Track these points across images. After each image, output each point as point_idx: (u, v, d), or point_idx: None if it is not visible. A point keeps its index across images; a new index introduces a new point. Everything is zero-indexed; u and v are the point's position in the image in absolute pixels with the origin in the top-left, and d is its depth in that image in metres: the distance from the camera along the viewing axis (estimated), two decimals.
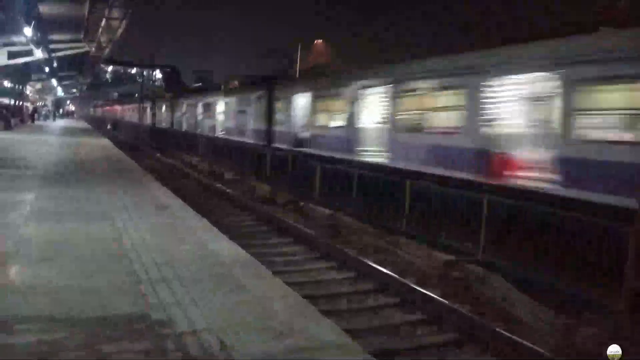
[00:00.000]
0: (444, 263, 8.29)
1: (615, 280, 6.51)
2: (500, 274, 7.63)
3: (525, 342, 5.61)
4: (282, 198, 14.37)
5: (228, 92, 28.06)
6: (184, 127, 34.52)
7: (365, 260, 8.48)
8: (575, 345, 5.86)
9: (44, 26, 19.72)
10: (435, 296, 6.99)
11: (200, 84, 41.72)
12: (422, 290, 7.23)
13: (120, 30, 23.11)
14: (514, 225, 8.24)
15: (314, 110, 17.09)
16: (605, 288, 6.73)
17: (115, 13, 20.29)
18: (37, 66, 30.34)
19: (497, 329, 5.97)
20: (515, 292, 7.09)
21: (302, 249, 9.83)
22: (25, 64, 26.49)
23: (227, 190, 15.95)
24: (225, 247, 6.55)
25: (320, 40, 35.55)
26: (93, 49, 27.15)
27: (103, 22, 21.34)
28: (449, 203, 9.59)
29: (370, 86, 13.93)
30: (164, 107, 42.16)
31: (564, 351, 5.75)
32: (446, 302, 6.79)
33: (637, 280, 6.16)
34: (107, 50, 29.40)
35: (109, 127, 52.02)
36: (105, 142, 28.12)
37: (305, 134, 17.54)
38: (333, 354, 3.82)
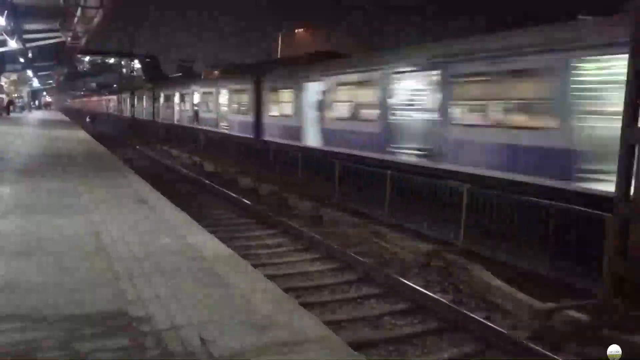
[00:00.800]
0: (426, 253, 8.34)
1: (595, 265, 6.61)
2: (480, 262, 7.69)
3: (504, 330, 5.68)
4: (265, 190, 14.29)
5: (205, 83, 27.82)
6: (163, 118, 33.93)
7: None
8: (554, 331, 5.95)
9: (18, 15, 19.21)
10: (417, 286, 7.03)
11: (180, 73, 41.21)
12: (403, 280, 7.27)
13: (97, 19, 22.61)
14: (493, 214, 8.30)
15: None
16: (586, 273, 6.84)
17: (92, 1, 19.84)
18: (12, 57, 29.60)
19: (477, 318, 6.04)
20: (495, 279, 7.16)
21: (286, 240, 9.82)
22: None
23: (208, 182, 15.83)
24: (205, 241, 6.49)
25: (301, 30, 35.27)
26: (69, 38, 26.55)
27: (79, 11, 20.87)
28: (430, 192, 9.62)
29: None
30: (143, 98, 41.58)
31: (544, 337, 5.82)
32: (427, 292, 6.83)
33: (617, 265, 6.26)
34: (84, 40, 28.80)
35: (87, 119, 50.22)
36: (82, 134, 27.64)
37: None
38: (314, 347, 3.81)
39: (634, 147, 6.06)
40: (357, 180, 11.94)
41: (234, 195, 13.55)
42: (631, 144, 6.06)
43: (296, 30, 34.74)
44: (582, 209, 6.92)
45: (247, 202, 12.71)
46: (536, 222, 7.59)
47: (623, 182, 6.12)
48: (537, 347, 5.38)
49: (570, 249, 7.13)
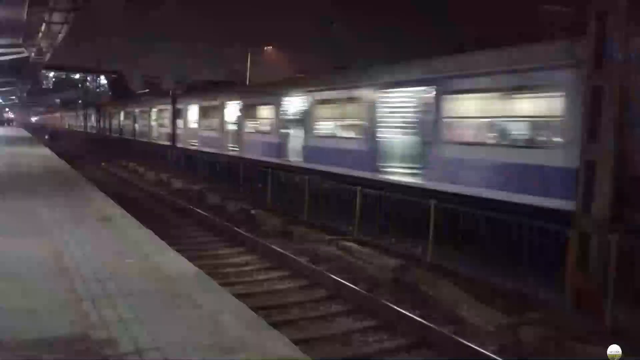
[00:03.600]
0: (394, 268, 8.38)
1: (558, 279, 6.76)
2: (448, 278, 7.78)
3: (471, 345, 5.74)
4: (232, 206, 14.17)
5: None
6: (125, 133, 34.94)
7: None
8: (520, 344, 6.04)
9: None
10: (386, 302, 7.05)
11: (147, 90, 40.71)
12: (372, 296, 7.28)
13: (61, 35, 22.22)
14: (459, 229, 8.43)
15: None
16: (549, 286, 6.99)
17: (57, 17, 19.50)
18: None
19: (445, 332, 6.08)
20: (463, 294, 7.25)
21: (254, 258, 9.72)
22: None
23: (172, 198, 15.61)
24: (172, 260, 6.38)
25: (270, 47, 35.37)
26: (33, 54, 25.99)
27: (43, 27, 20.47)
28: (398, 208, 9.71)
29: None
30: (107, 114, 41.00)
31: (510, 350, 5.90)
32: (397, 307, 6.86)
33: (577, 278, 6.42)
34: (48, 56, 28.22)
35: (46, 137, 48.38)
36: (46, 151, 26.94)
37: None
38: None
39: (593, 162, 6.28)
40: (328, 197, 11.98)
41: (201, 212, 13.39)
42: (589, 159, 6.28)
43: (265, 48, 34.85)
44: (545, 224, 7.09)
45: (215, 218, 12.57)
46: (502, 236, 7.74)
47: (582, 197, 6.32)
48: None
49: (535, 263, 7.27)
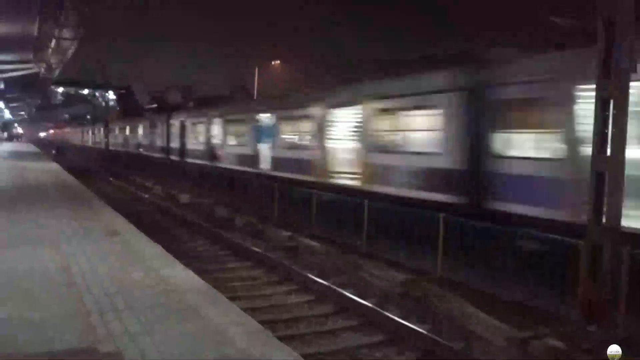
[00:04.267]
0: (403, 282, 8.31)
1: (570, 292, 6.66)
2: (457, 291, 7.69)
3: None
4: (241, 220, 14.15)
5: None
6: (138, 149, 33.91)
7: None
8: (531, 358, 5.94)
9: None
10: (395, 317, 6.97)
11: (155, 104, 40.93)
12: (381, 311, 7.20)
13: (71, 51, 22.51)
14: (470, 243, 8.36)
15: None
16: (561, 300, 6.90)
17: (66, 33, 19.76)
18: None
19: (455, 347, 6.00)
20: (472, 308, 7.15)
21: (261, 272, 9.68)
22: None
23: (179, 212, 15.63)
24: (179, 274, 6.36)
25: (277, 61, 35.70)
26: (43, 69, 26.32)
27: (53, 43, 20.74)
28: (407, 222, 9.66)
29: None
30: (116, 129, 41.20)
31: None
32: (405, 322, 6.78)
33: (589, 290, 6.33)
34: (57, 71, 28.56)
35: (53, 152, 48.17)
36: (54, 166, 27.13)
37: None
38: None
39: (603, 174, 6.22)
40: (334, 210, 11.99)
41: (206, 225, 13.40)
42: (600, 171, 6.22)
43: (272, 62, 35.17)
44: (555, 236, 7.02)
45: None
46: (511, 249, 7.67)
47: (593, 208, 6.25)
48: None
49: (546, 276, 7.19)
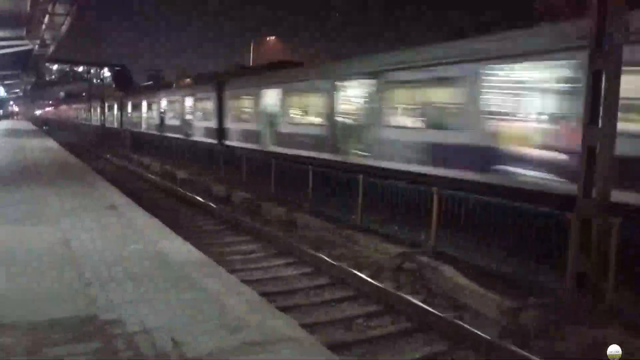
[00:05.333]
0: (397, 255, 8.45)
1: (560, 264, 6.81)
2: (450, 264, 7.83)
3: (472, 329, 5.81)
4: (237, 197, 14.25)
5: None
6: (141, 127, 32.43)
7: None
8: (521, 328, 6.11)
9: None
10: (388, 288, 7.13)
11: (151, 82, 40.68)
12: (375, 283, 7.36)
13: (65, 27, 22.24)
14: (461, 216, 8.47)
15: None
16: (551, 271, 7.05)
17: (60, 9, 19.51)
18: None
19: (447, 317, 6.16)
20: (464, 280, 7.30)
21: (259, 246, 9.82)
22: None
23: (180, 190, 15.70)
24: (178, 246, 6.47)
25: (273, 37, 35.42)
26: (37, 46, 26.03)
27: (46, 18, 20.49)
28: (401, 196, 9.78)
29: None
30: (114, 107, 40.94)
31: (512, 334, 5.97)
32: (399, 293, 6.93)
33: (579, 262, 6.47)
34: (51, 48, 28.25)
35: (44, 128, 48.18)
36: (51, 143, 27.12)
37: None
38: (288, 346, 3.85)
39: (594, 148, 6.30)
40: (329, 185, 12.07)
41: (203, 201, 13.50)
42: (591, 144, 6.30)
43: (267, 39, 34.91)
44: (546, 209, 7.14)
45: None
46: (503, 222, 7.79)
47: (583, 181, 6.35)
48: (505, 344, 5.52)
49: (536, 248, 7.32)
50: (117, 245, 6.36)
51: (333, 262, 8.30)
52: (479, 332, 5.78)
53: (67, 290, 4.77)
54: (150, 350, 3.63)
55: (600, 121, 6.24)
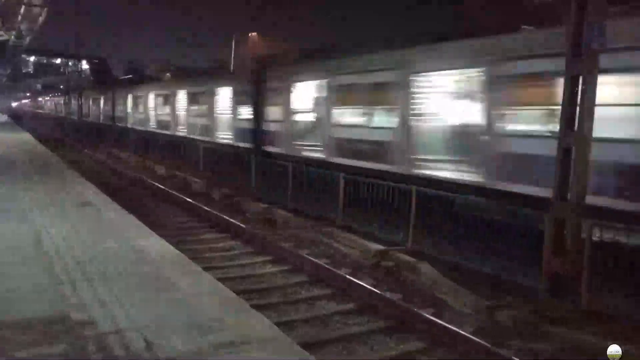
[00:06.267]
0: (376, 253, 8.47)
1: (535, 263, 6.88)
2: (428, 262, 7.87)
3: (449, 326, 5.84)
4: (216, 194, 14.13)
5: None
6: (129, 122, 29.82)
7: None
8: (497, 325, 6.17)
9: None
10: (367, 285, 7.13)
11: (130, 75, 40.08)
12: (354, 280, 7.36)
13: (41, 18, 21.79)
14: (440, 215, 8.52)
15: None
16: (526, 271, 7.12)
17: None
18: None
19: (425, 315, 6.18)
20: (442, 278, 7.35)
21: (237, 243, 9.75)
22: None
23: (156, 184, 15.51)
24: (153, 244, 6.37)
25: (254, 33, 35.15)
26: (12, 37, 25.46)
27: (22, 9, 20.05)
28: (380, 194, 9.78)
29: None
30: (92, 100, 40.22)
31: (488, 332, 6.02)
32: (377, 291, 6.94)
33: (553, 262, 6.55)
34: (28, 39, 27.67)
35: (6, 118, 46.56)
36: (27, 136, 26.56)
37: None
38: (262, 347, 3.81)
39: (570, 150, 6.38)
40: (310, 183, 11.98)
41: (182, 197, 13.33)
42: (566, 147, 6.38)
43: (250, 34, 34.64)
44: (523, 208, 7.21)
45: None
46: (480, 221, 7.85)
47: (558, 183, 6.43)
48: (481, 342, 5.55)
49: (514, 248, 7.39)
50: (90, 242, 6.23)
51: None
52: (457, 329, 5.82)
53: (37, 289, 4.65)
54: (122, 352, 3.55)
55: (576, 124, 6.32)
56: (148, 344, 3.66)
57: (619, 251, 6.06)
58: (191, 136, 20.81)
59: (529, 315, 6.26)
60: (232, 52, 31.74)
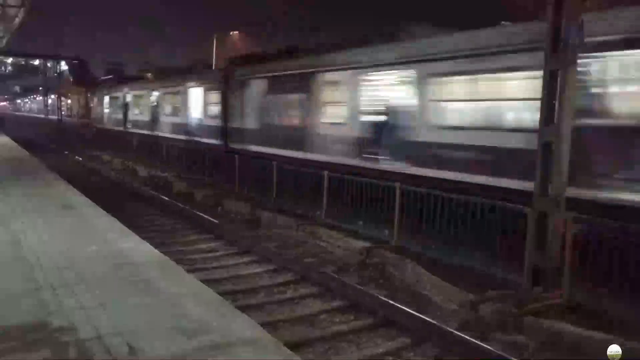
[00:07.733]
0: (361, 250, 8.48)
1: (518, 258, 6.95)
2: (413, 258, 7.90)
3: (434, 321, 5.88)
4: (200, 193, 14.03)
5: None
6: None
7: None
8: (480, 320, 6.22)
9: None
10: (352, 283, 7.14)
11: (111, 76, 39.48)
12: (339, 278, 7.37)
13: (18, 19, 21.39)
14: (424, 211, 8.55)
15: None
16: (509, 266, 7.19)
17: (12, 0, 18.74)
18: None
19: (410, 311, 6.21)
20: (427, 274, 7.39)
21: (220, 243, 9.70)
22: None
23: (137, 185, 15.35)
24: (136, 246, 6.31)
25: (236, 32, 34.84)
26: None
27: None
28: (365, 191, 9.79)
29: None
30: (74, 100, 39.60)
31: (472, 326, 6.07)
32: (362, 288, 6.96)
33: (535, 256, 6.62)
34: (5, 40, 27.16)
35: None
36: (5, 139, 26.10)
37: None
38: (248, 349, 3.79)
39: (550, 144, 6.45)
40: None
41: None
42: (547, 141, 6.45)
43: (231, 33, 34.30)
44: (506, 204, 7.27)
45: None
46: (464, 217, 7.89)
47: (540, 177, 6.50)
48: (465, 336, 5.60)
49: (496, 243, 7.45)
50: (71, 246, 6.15)
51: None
52: (442, 325, 5.85)
53: (16, 295, 4.57)
54: (104, 358, 3.50)
55: (555, 118, 6.38)
56: (131, 349, 3.62)
57: (599, 245, 6.15)
58: (168, 135, 20.84)
59: (511, 309, 6.32)
60: (214, 51, 31.44)
